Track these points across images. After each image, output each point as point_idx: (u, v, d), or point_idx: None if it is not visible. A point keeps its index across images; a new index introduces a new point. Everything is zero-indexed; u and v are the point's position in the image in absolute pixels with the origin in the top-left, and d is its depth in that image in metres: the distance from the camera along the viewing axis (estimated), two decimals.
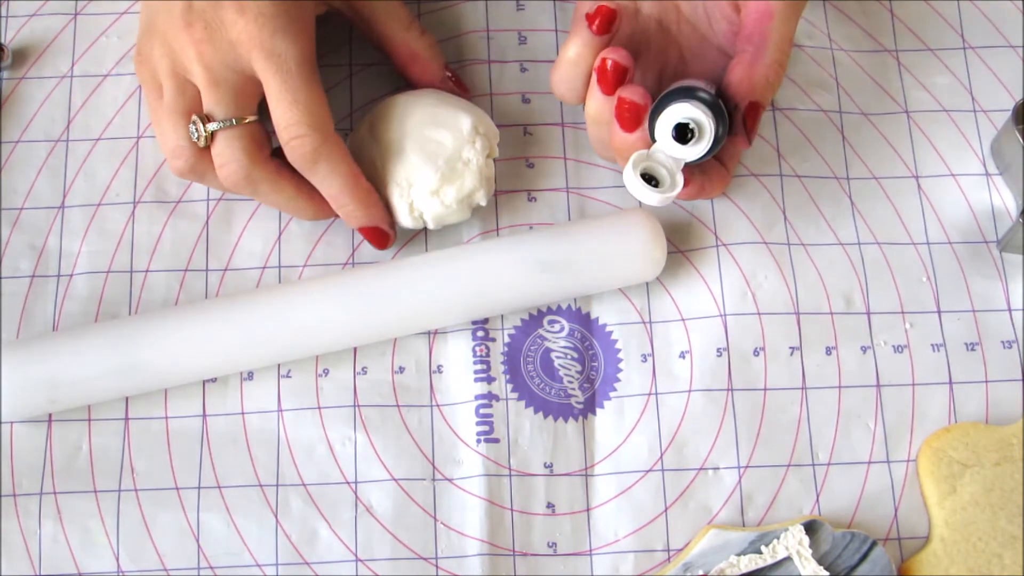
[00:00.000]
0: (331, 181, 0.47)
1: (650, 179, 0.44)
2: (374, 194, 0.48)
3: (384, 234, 0.49)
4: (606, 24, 0.44)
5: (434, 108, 0.49)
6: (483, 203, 0.49)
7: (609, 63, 0.44)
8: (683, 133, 0.44)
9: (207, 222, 0.52)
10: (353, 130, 0.51)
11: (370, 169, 0.49)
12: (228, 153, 0.46)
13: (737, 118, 0.45)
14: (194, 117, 0.46)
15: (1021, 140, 0.51)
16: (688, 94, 0.44)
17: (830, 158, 0.54)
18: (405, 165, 0.48)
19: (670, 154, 0.44)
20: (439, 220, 0.49)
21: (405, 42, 0.50)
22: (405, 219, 0.49)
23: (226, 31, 0.45)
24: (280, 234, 0.52)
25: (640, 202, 0.46)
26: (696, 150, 0.44)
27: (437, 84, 0.51)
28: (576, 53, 0.45)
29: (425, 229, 0.52)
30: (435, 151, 0.48)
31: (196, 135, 0.46)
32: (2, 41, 0.54)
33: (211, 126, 0.46)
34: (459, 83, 0.52)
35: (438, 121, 0.48)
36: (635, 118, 0.44)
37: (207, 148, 0.47)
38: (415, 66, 0.51)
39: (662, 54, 0.49)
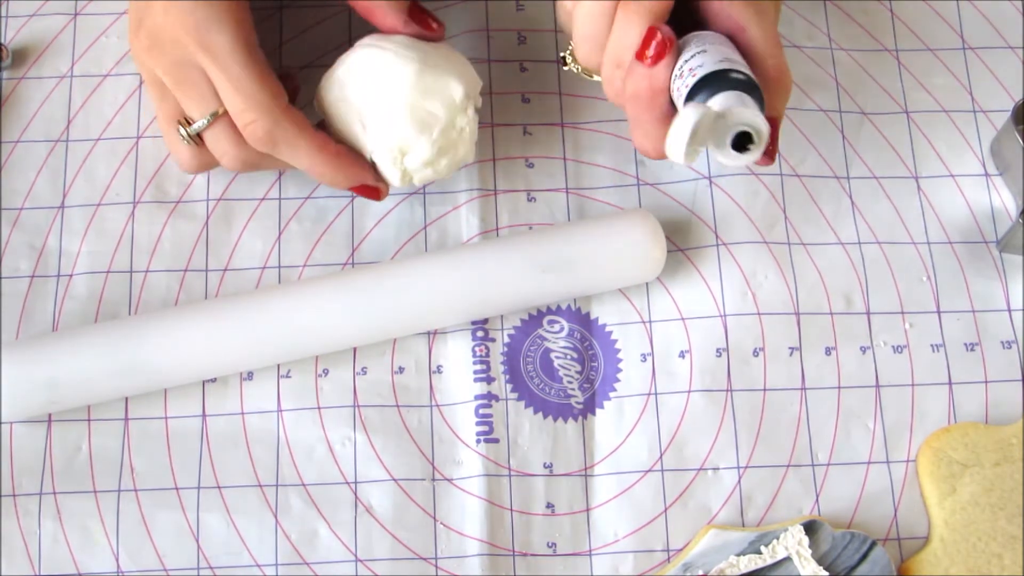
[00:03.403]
0: (297, 157, 0.46)
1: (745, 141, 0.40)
2: (347, 155, 0.47)
3: (373, 189, 0.48)
4: (660, 55, 0.41)
5: (422, 71, 0.46)
6: (470, 161, 0.49)
7: (659, 36, 0.41)
8: (743, 142, 0.39)
9: (207, 222, 0.52)
10: (321, 86, 0.48)
11: (350, 131, 0.47)
12: (219, 147, 0.47)
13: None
14: (178, 123, 0.47)
15: (1021, 140, 0.51)
16: (723, 78, 0.39)
17: (830, 158, 0.54)
18: (397, 134, 0.46)
19: (725, 163, 0.40)
20: (426, 180, 0.48)
21: None
22: (394, 181, 0.48)
23: (163, 33, 0.45)
24: (280, 234, 0.52)
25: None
26: (753, 156, 0.40)
27: (400, 31, 0.48)
28: (632, 42, 0.41)
29: (425, 229, 0.52)
30: (428, 121, 0.46)
31: (186, 139, 0.47)
32: (2, 41, 0.54)
33: (192, 129, 0.46)
34: (425, 25, 0.48)
35: (428, 88, 0.46)
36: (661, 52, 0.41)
37: (203, 143, 0.47)
38: (375, 15, 0.48)
39: None
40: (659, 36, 0.41)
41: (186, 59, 0.45)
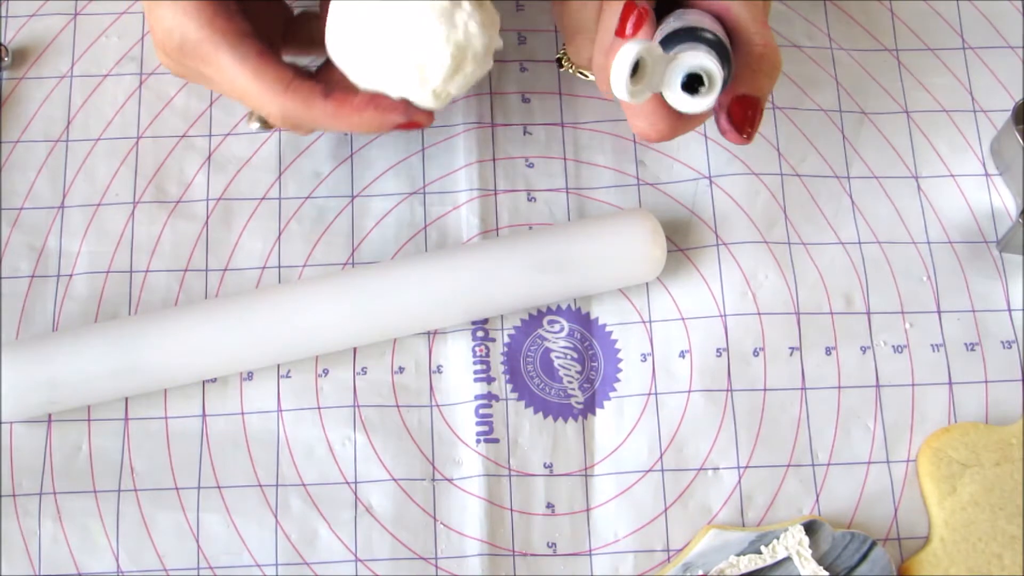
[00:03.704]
0: (321, 125, 0.45)
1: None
2: (368, 103, 0.44)
3: (410, 124, 0.45)
4: (637, 27, 0.41)
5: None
6: (500, 46, 0.44)
7: (636, 11, 0.41)
8: (694, 84, 0.39)
9: (207, 222, 0.52)
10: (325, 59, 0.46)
11: (363, 81, 0.44)
12: (271, 121, 0.46)
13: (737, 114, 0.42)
14: (247, 118, 0.48)
15: (1021, 140, 0.51)
16: (692, 36, 0.40)
17: (830, 157, 0.54)
18: (406, 71, 0.43)
19: (676, 107, 0.40)
20: (466, 87, 0.44)
21: None
22: (431, 106, 0.44)
23: (172, 62, 0.45)
24: (280, 234, 0.52)
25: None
26: (705, 102, 0.40)
27: None
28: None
29: (425, 229, 0.52)
30: (428, 44, 0.42)
31: (259, 130, 0.48)
32: (2, 41, 0.54)
33: (256, 122, 0.47)
34: None
35: (406, 11, 0.42)
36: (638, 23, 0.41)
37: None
38: None
39: None
40: (636, 9, 0.41)
41: (201, 75, 0.45)
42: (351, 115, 0.45)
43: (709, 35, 0.40)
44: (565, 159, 0.53)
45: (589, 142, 0.54)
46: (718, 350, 0.50)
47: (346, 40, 0.44)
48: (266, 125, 0.48)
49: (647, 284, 0.51)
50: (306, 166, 0.53)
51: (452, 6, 0.43)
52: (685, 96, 0.39)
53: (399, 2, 0.43)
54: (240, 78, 0.44)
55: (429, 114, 0.45)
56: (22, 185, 0.52)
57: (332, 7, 0.44)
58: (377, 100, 0.44)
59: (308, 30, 0.50)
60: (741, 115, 0.42)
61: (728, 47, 0.41)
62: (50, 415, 0.49)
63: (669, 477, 0.49)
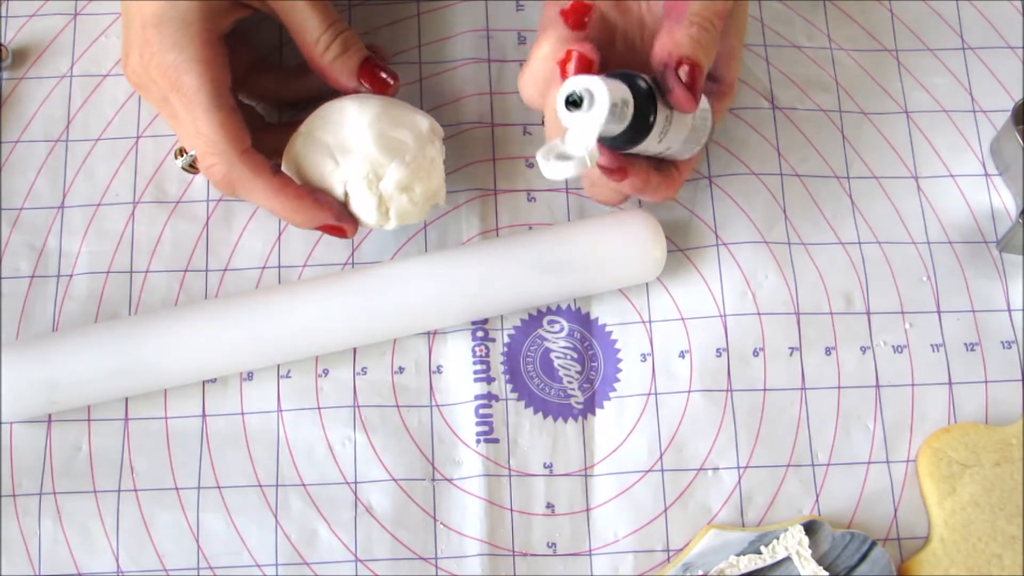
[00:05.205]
0: (256, 199, 0.47)
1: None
2: (308, 197, 0.47)
3: (336, 228, 0.48)
4: (580, 19, 0.43)
5: (386, 109, 0.47)
6: (442, 203, 0.49)
7: (575, 54, 0.42)
8: (570, 101, 0.39)
9: (207, 222, 0.52)
10: (287, 147, 0.48)
11: (321, 170, 0.47)
12: (207, 175, 0.48)
13: (670, 79, 0.42)
14: (176, 153, 0.49)
15: (1020, 140, 0.51)
16: (620, 77, 0.41)
17: (830, 157, 0.54)
18: (370, 160, 0.46)
19: (565, 124, 0.40)
20: (403, 217, 0.47)
21: (312, 59, 0.48)
22: (369, 214, 0.47)
23: (144, 73, 0.46)
24: (280, 234, 0.52)
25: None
26: (588, 117, 0.39)
27: (353, 90, 0.49)
28: (550, 49, 0.43)
29: (425, 229, 0.52)
30: (399, 147, 0.47)
31: (182, 169, 0.49)
32: (2, 41, 0.54)
33: (185, 159, 0.48)
34: (378, 82, 0.49)
35: (395, 121, 0.47)
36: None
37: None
38: (327, 76, 0.49)
39: (629, 51, 0.47)
40: (573, 58, 0.42)
41: (166, 97, 0.46)
42: (288, 199, 0.47)
43: (641, 81, 0.41)
44: None
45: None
46: (718, 350, 0.50)
47: (312, 137, 0.47)
48: (193, 169, 0.49)
49: (647, 284, 0.51)
50: None
51: (427, 138, 0.47)
52: (567, 112, 0.39)
53: (379, 113, 0.47)
54: (206, 122, 0.45)
55: (354, 225, 0.48)
56: (22, 185, 0.52)
57: (310, 117, 0.48)
58: (317, 194, 0.47)
59: (262, 81, 0.52)
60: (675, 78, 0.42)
61: (655, 92, 0.41)
62: (50, 415, 0.49)
63: (669, 477, 0.49)
